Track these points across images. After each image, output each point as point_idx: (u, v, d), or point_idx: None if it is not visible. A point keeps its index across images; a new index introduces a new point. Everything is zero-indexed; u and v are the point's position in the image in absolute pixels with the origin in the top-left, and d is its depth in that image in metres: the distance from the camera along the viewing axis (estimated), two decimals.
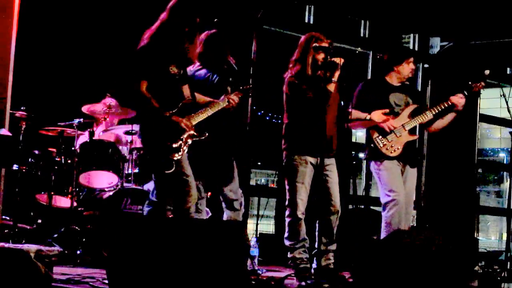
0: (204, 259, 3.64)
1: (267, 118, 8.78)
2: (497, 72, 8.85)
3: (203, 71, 5.14)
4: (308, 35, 5.22)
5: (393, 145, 5.43)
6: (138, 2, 6.76)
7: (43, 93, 6.76)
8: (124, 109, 6.40)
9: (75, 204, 5.99)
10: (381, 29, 8.85)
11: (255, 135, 7.45)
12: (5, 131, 5.38)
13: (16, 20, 5.52)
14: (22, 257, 3.69)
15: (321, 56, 5.11)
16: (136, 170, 6.26)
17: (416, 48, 9.12)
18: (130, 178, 6.20)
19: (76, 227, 5.74)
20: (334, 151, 5.23)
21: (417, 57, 9.13)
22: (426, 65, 9.08)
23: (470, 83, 5.52)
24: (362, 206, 6.27)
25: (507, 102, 5.78)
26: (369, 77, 8.69)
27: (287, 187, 5.23)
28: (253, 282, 4.79)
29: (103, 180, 6.16)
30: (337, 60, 5.03)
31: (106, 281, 3.87)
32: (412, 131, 5.53)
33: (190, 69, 5.12)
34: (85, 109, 6.36)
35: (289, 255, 5.21)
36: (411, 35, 9.13)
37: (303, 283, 5.00)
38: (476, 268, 5.66)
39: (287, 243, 5.20)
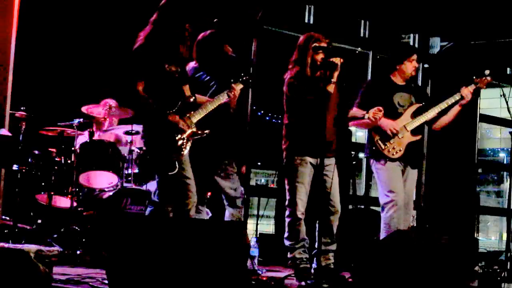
0: (204, 259, 3.64)
1: (267, 118, 8.78)
2: (497, 72, 8.84)
3: (201, 73, 5.13)
4: (306, 35, 5.21)
5: (395, 147, 5.42)
6: (138, 2, 6.76)
7: (43, 93, 6.76)
8: (124, 109, 6.40)
9: (75, 204, 5.98)
10: (381, 29, 8.85)
11: (255, 135, 7.46)
12: (5, 131, 5.39)
13: (16, 20, 5.53)
14: (22, 257, 3.69)
15: (320, 56, 5.11)
16: (136, 170, 6.26)
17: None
18: (130, 178, 6.20)
19: (76, 227, 5.74)
20: (334, 151, 5.23)
21: (418, 56, 9.15)
22: (426, 65, 9.08)
23: (474, 77, 5.51)
24: (362, 206, 6.27)
25: (507, 102, 5.77)
26: (369, 77, 8.69)
27: (287, 187, 5.23)
28: (253, 282, 4.79)
29: (103, 180, 6.16)
30: (336, 60, 5.02)
31: (106, 281, 3.86)
32: (415, 131, 5.50)
33: (191, 68, 5.12)
34: (85, 109, 6.36)
35: (289, 255, 5.21)
36: (411, 35, 9.12)
37: (303, 283, 5.00)
38: (476, 268, 5.66)
39: (287, 243, 5.21)
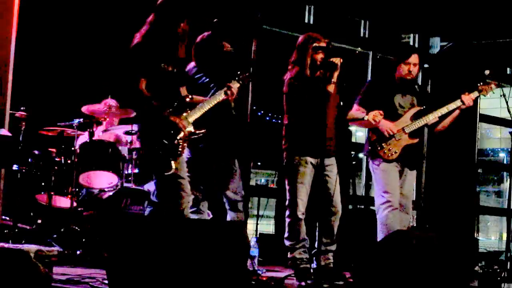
0: (205, 260, 3.64)
1: (267, 118, 8.78)
2: (497, 72, 8.84)
3: (201, 75, 5.14)
4: (305, 35, 5.20)
5: (391, 148, 5.41)
6: (139, 2, 6.76)
7: (43, 93, 6.76)
8: (124, 109, 6.39)
9: (75, 204, 5.98)
10: (381, 29, 8.85)
11: (255, 135, 7.46)
12: (5, 131, 5.38)
13: (16, 20, 5.52)
14: (22, 257, 3.69)
15: (319, 56, 5.10)
16: (136, 170, 6.25)
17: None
18: (130, 178, 6.19)
19: (76, 227, 5.74)
20: (334, 151, 5.23)
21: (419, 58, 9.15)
22: (426, 65, 9.08)
23: (479, 84, 5.51)
24: (362, 206, 6.28)
25: (507, 102, 5.77)
26: (369, 77, 8.69)
27: (287, 187, 5.23)
28: (253, 282, 4.79)
29: (103, 180, 6.16)
30: (336, 60, 5.02)
31: (106, 281, 3.86)
32: (413, 134, 5.48)
33: (191, 69, 5.12)
34: (85, 109, 6.36)
35: (289, 255, 5.21)
36: (411, 35, 9.12)
37: (303, 283, 5.00)
38: (476, 268, 5.66)
39: (287, 243, 5.21)
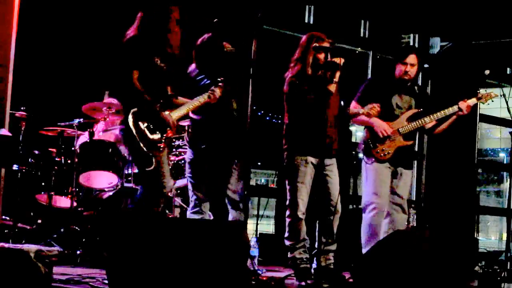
0: (205, 260, 3.64)
1: (267, 118, 8.78)
2: (497, 72, 8.85)
3: (201, 77, 5.14)
4: (309, 34, 5.21)
5: (384, 148, 5.42)
6: (138, 2, 6.75)
7: (43, 93, 6.76)
8: None
9: (75, 204, 5.99)
10: (381, 29, 8.85)
11: (255, 135, 7.45)
12: (5, 131, 5.38)
13: (16, 20, 5.52)
14: (22, 257, 3.69)
15: (322, 56, 5.10)
16: (136, 170, 6.25)
17: None
18: (130, 178, 6.20)
19: (76, 227, 5.74)
20: (335, 151, 5.23)
21: (418, 58, 9.15)
22: (426, 65, 9.08)
23: (479, 91, 5.51)
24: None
25: (507, 102, 5.78)
26: (369, 77, 8.69)
27: (287, 187, 5.23)
28: (253, 282, 4.79)
29: (103, 180, 6.16)
30: (338, 60, 5.02)
31: (106, 281, 3.87)
32: (407, 137, 5.49)
33: (192, 71, 5.13)
34: (85, 109, 6.36)
35: (289, 255, 5.21)
36: (411, 35, 9.12)
37: (303, 283, 5.00)
38: (476, 268, 5.66)
39: (287, 243, 5.20)
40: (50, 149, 6.22)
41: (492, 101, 5.62)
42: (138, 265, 3.56)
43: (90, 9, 6.98)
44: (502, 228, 12.60)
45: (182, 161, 6.54)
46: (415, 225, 7.81)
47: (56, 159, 6.13)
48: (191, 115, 5.14)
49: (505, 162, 12.88)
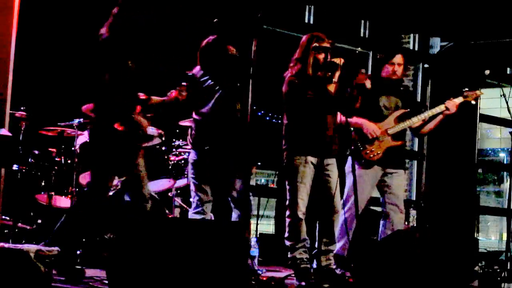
0: (205, 260, 3.64)
1: (267, 118, 8.78)
2: (497, 72, 8.85)
3: (206, 78, 5.15)
4: (310, 35, 5.22)
5: (373, 149, 5.42)
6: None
7: (43, 93, 6.76)
8: None
9: None
10: (381, 29, 8.85)
11: (255, 135, 7.45)
12: (5, 131, 5.38)
13: (16, 20, 5.52)
14: (22, 257, 3.69)
15: (322, 56, 5.11)
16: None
17: (416, 48, 9.12)
18: None
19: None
20: (335, 151, 5.23)
21: (417, 57, 9.16)
22: (426, 65, 9.08)
23: (464, 90, 5.51)
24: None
25: (507, 102, 5.78)
26: None
27: (287, 187, 5.22)
28: (253, 282, 4.79)
29: None
30: (337, 60, 5.03)
31: (106, 281, 3.87)
32: (396, 137, 5.49)
33: (197, 73, 5.15)
34: (85, 109, 6.36)
35: (289, 255, 5.21)
36: (411, 35, 9.13)
37: (303, 283, 5.00)
38: (476, 268, 5.66)
39: (287, 243, 5.20)
40: (50, 149, 6.22)
41: (479, 99, 5.59)
42: (138, 265, 3.56)
43: (90, 9, 6.97)
44: (502, 228, 12.59)
45: (182, 161, 6.55)
46: (415, 225, 7.82)
47: (56, 159, 6.13)
48: (194, 116, 5.17)
49: (505, 162, 12.87)
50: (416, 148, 8.93)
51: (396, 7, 8.25)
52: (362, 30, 8.81)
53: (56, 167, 6.07)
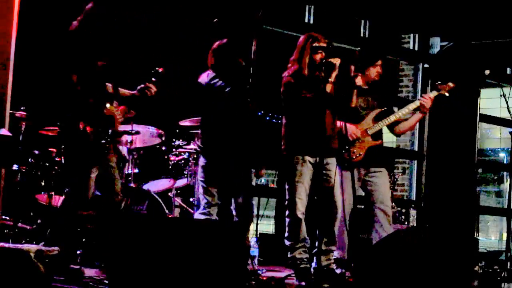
0: (205, 260, 3.64)
1: (267, 118, 8.77)
2: (497, 72, 8.85)
3: (216, 80, 5.18)
4: (306, 35, 5.23)
5: (355, 150, 5.43)
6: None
7: (43, 93, 6.75)
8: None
9: None
10: (381, 29, 8.85)
11: (255, 135, 7.44)
12: (5, 131, 5.38)
13: (16, 20, 5.52)
14: (22, 257, 3.69)
15: (318, 56, 5.13)
16: (136, 170, 6.25)
17: (416, 48, 9.13)
18: (130, 178, 6.19)
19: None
20: (334, 151, 5.23)
21: (417, 57, 9.16)
22: (426, 65, 9.08)
23: (437, 83, 5.53)
24: (362, 206, 6.26)
25: (507, 102, 5.78)
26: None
27: (286, 187, 5.23)
28: (253, 282, 4.79)
29: None
30: (334, 60, 5.04)
31: (106, 281, 3.87)
32: (376, 136, 5.51)
33: (205, 78, 5.18)
34: None
35: (289, 255, 5.21)
36: (411, 35, 9.13)
37: (303, 283, 5.00)
38: (476, 268, 5.66)
39: (287, 243, 5.20)
40: (50, 149, 6.21)
41: (452, 90, 5.57)
42: (138, 265, 3.56)
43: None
44: (502, 228, 12.60)
45: (182, 161, 6.55)
46: (415, 225, 7.81)
47: (56, 159, 6.12)
48: (202, 121, 5.23)
49: (505, 162, 12.88)
50: (416, 148, 8.92)
51: (396, 7, 8.25)
52: (362, 30, 8.80)
53: (56, 167, 6.06)
